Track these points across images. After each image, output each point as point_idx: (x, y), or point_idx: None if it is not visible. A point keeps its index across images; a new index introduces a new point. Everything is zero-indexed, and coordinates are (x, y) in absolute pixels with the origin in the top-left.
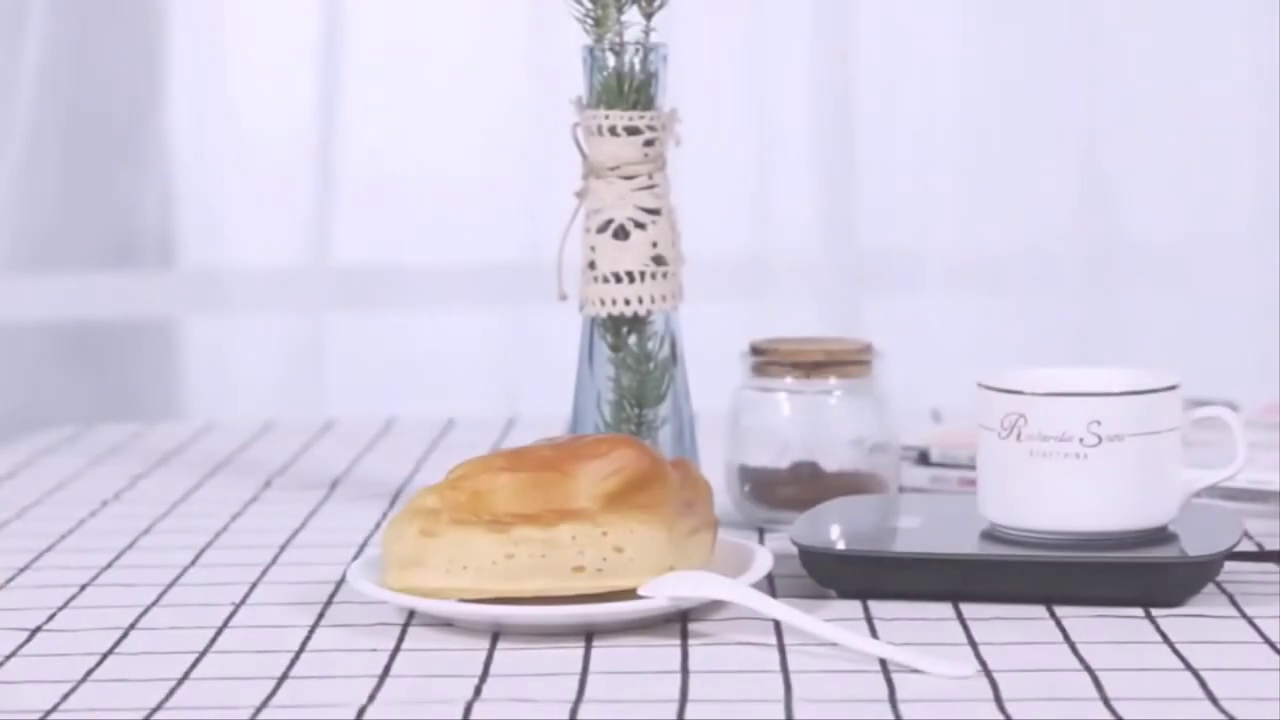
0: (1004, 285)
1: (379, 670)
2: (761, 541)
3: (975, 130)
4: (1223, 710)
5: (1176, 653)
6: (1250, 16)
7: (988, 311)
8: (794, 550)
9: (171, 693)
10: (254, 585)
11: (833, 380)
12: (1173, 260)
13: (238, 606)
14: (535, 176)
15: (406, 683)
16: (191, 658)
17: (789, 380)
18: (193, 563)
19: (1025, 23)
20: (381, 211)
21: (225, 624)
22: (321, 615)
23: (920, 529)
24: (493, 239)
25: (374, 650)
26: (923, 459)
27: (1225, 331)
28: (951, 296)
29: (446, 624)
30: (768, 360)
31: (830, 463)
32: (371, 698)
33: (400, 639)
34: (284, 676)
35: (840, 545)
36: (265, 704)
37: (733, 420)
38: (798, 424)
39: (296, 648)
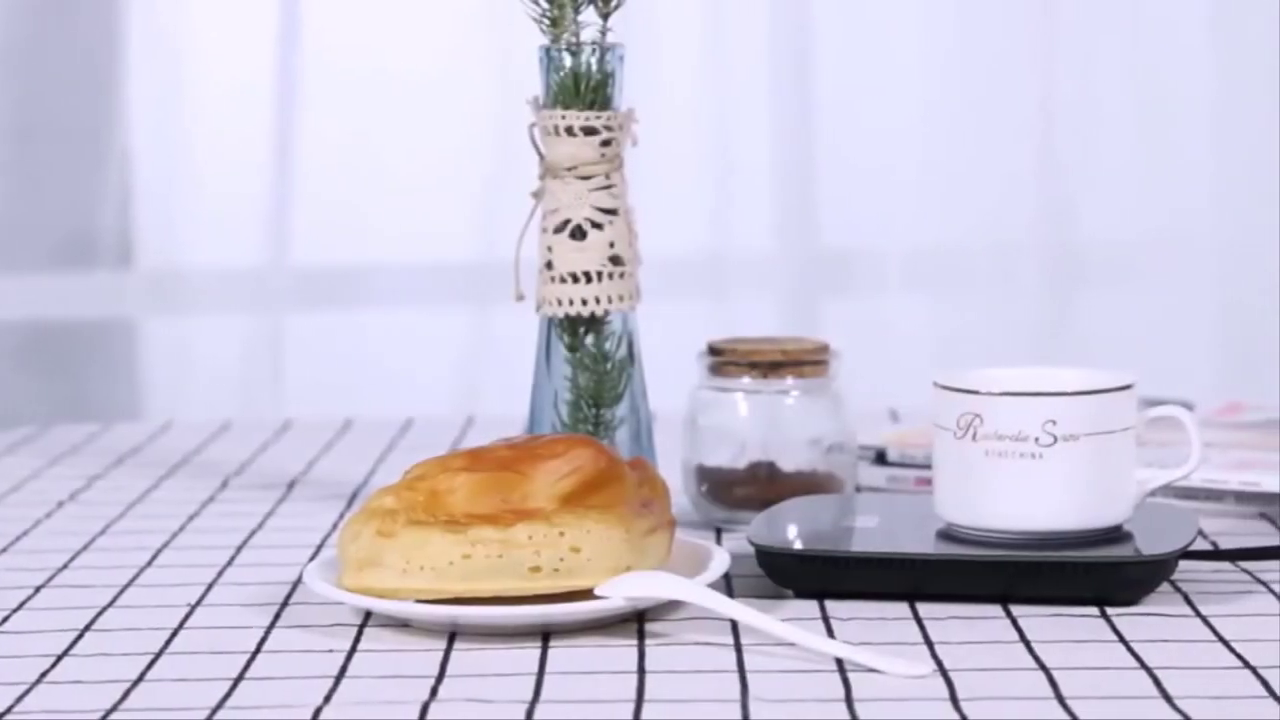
0: (962, 285)
1: (335, 671)
2: (719, 541)
3: (934, 131)
4: (1177, 709)
5: (1132, 651)
6: (1210, 17)
7: (946, 312)
8: (751, 550)
9: (126, 694)
10: (210, 586)
11: (790, 380)
12: (1131, 260)
13: (194, 607)
14: (494, 176)
15: (363, 683)
16: (147, 659)
17: (746, 380)
18: (149, 563)
19: (984, 23)
20: (340, 212)
21: (181, 625)
22: (278, 616)
23: (877, 529)
24: (451, 239)
25: (330, 651)
26: (880, 459)
27: (1183, 331)
28: (910, 297)
29: (403, 624)
30: (725, 360)
31: (787, 462)
32: (327, 699)
33: (357, 639)
34: (240, 677)
35: (797, 545)
36: (221, 705)
37: (690, 420)
38: (755, 424)
39: (253, 649)
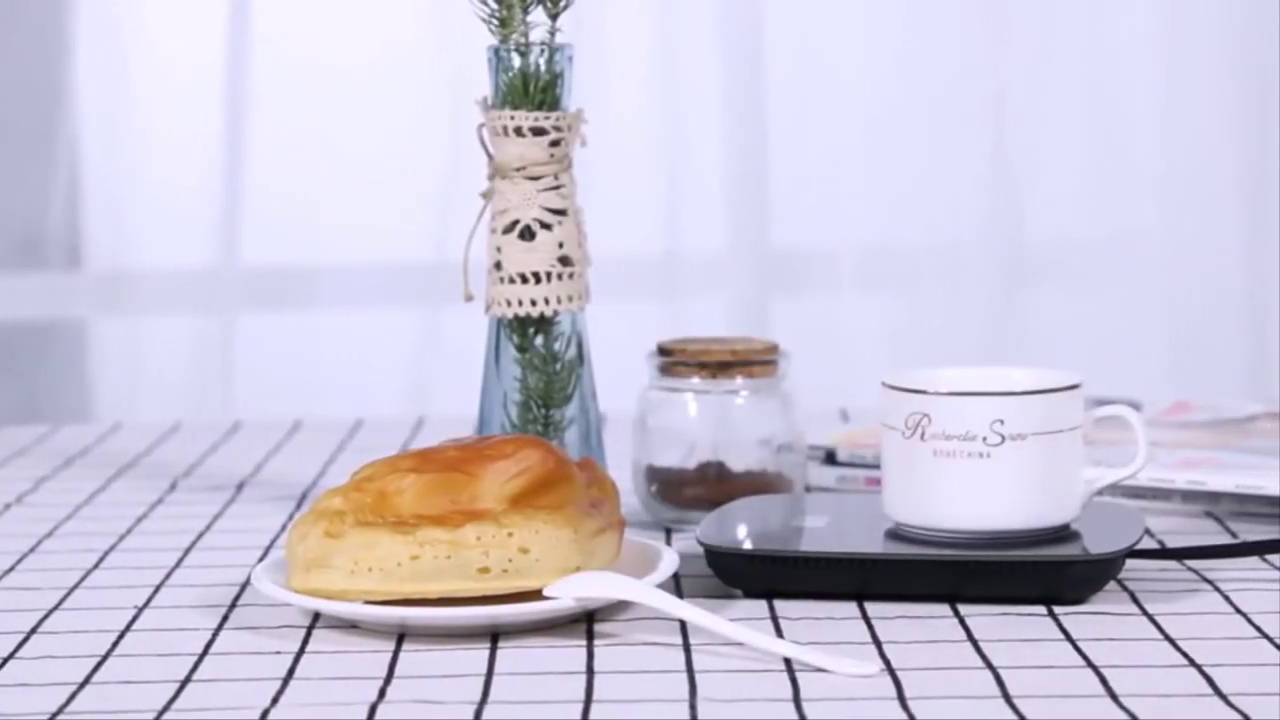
0: (913, 286)
1: (283, 673)
2: (669, 541)
3: (884, 132)
4: (1123, 707)
5: (1078, 650)
6: (1157, 19)
7: (897, 312)
8: (700, 550)
9: (73, 697)
10: (158, 588)
11: (739, 380)
12: (1080, 261)
13: (141, 609)
14: (445, 177)
15: (310, 685)
16: (93, 661)
17: (696, 380)
18: (96, 565)
19: (934, 25)
20: (290, 212)
21: (128, 627)
22: (226, 618)
23: (826, 528)
24: (402, 240)
25: (278, 653)
26: (830, 459)
27: (1131, 331)
28: (861, 297)
29: (351, 626)
30: (674, 360)
31: (737, 463)
32: (275, 700)
33: (305, 641)
34: (187, 680)
35: (746, 545)
36: (167, 707)
37: (640, 420)
38: (705, 424)
39: (200, 651)
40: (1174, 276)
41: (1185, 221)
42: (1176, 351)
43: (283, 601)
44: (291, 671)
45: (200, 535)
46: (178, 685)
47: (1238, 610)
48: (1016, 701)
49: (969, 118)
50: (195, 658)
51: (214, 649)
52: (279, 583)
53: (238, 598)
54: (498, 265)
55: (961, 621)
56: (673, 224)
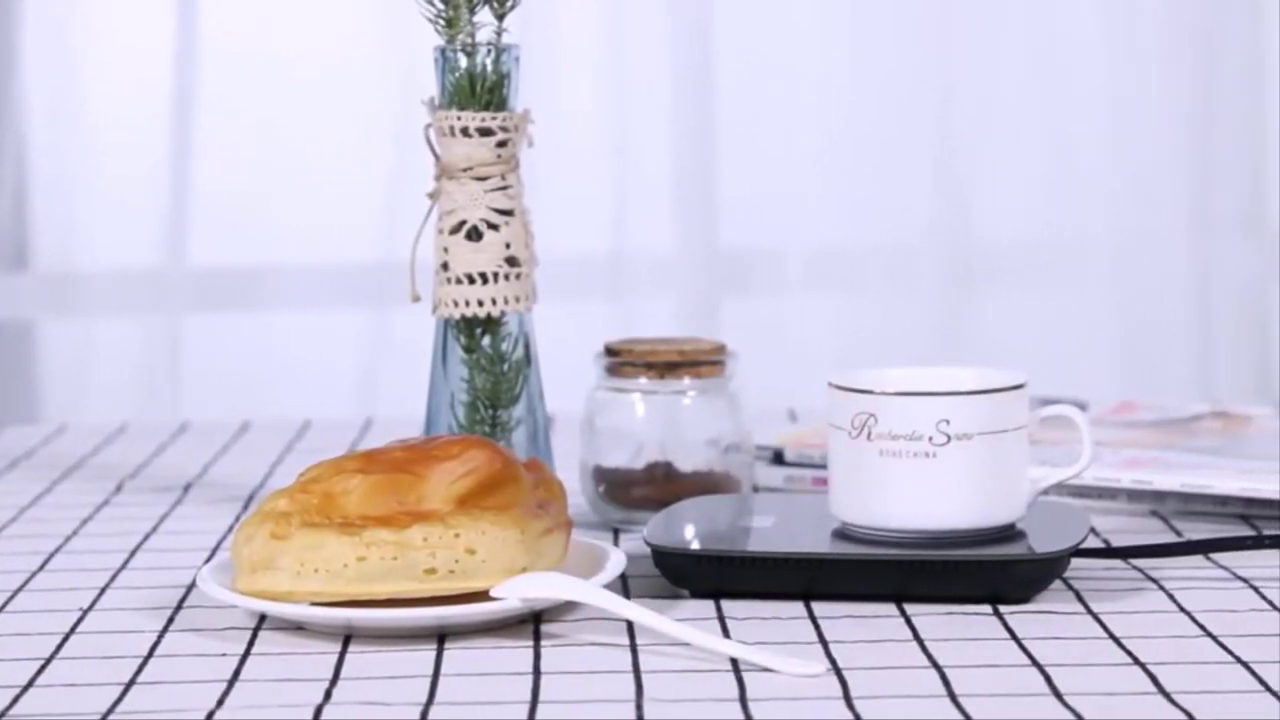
0: (862, 286)
1: (228, 675)
2: (616, 542)
3: (832, 132)
4: (1068, 706)
5: (1024, 649)
6: (1105, 23)
7: (846, 312)
8: (648, 550)
9: (16, 700)
10: (103, 590)
11: (687, 381)
12: (1028, 262)
13: (85, 612)
14: (393, 177)
15: (256, 687)
16: (38, 664)
17: (643, 381)
18: (40, 568)
19: (882, 25)
20: (238, 213)
21: (73, 629)
22: (171, 620)
23: (773, 528)
24: (351, 240)
25: (223, 655)
26: (777, 459)
27: (1079, 331)
28: (810, 297)
29: (298, 627)
30: (622, 361)
31: (685, 463)
32: (220, 703)
33: (250, 643)
34: (131, 682)
35: (693, 545)
36: (112, 710)
37: (587, 421)
38: (652, 424)
39: (145, 653)
40: (1121, 278)
41: (1132, 223)
42: (1123, 352)
43: (228, 603)
44: (237, 673)
45: (146, 537)
46: (122, 688)
47: (1182, 609)
48: (962, 700)
49: (917, 119)
50: (140, 660)
51: (159, 651)
52: (225, 585)
53: (183, 600)
54: (445, 266)
55: (908, 621)
56: (621, 224)
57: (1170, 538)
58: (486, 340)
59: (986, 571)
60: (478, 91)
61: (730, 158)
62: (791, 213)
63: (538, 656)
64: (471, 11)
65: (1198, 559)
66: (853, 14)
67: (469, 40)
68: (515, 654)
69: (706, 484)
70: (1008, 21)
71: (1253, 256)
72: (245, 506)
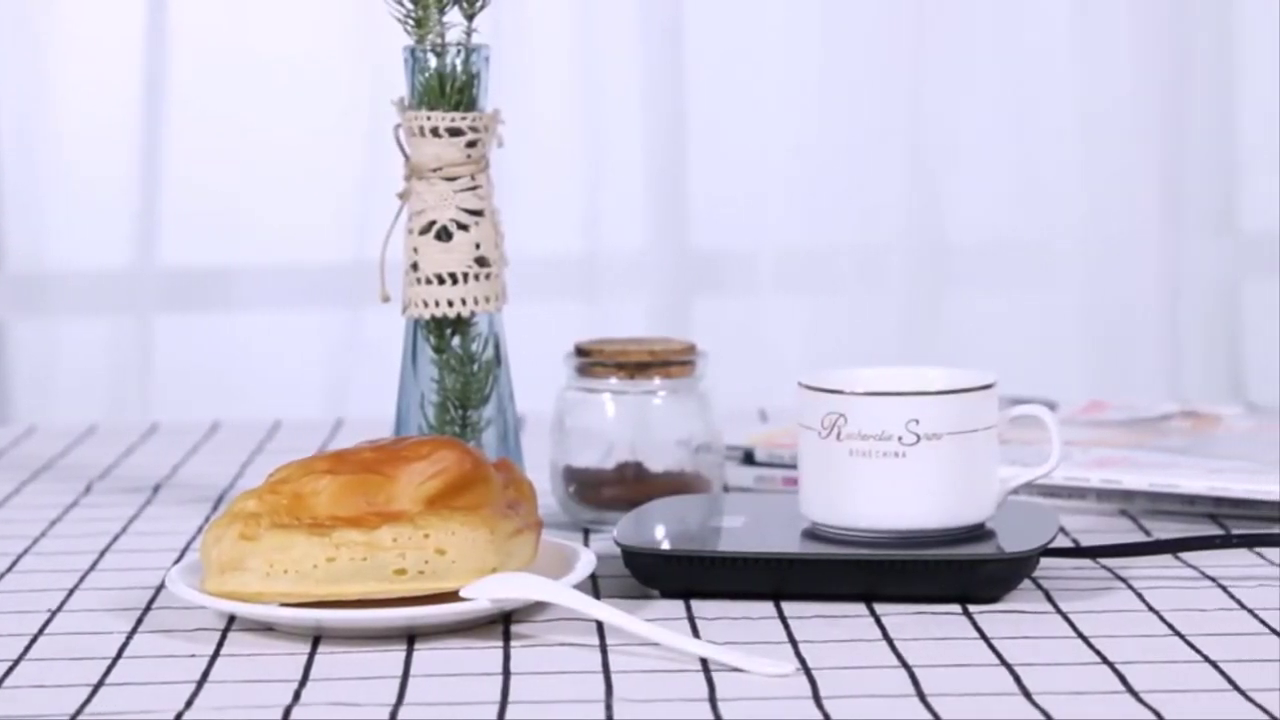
0: (833, 287)
1: (197, 676)
2: (586, 542)
3: (804, 133)
4: (1036, 705)
5: (992, 648)
6: (1076, 23)
7: (817, 312)
8: (618, 550)
9: None
10: (71, 591)
11: (657, 381)
12: (999, 262)
13: (54, 613)
14: (364, 177)
15: (225, 688)
16: (5, 666)
17: (613, 381)
18: (9, 569)
19: (854, 26)
20: (208, 213)
21: (41, 631)
22: (140, 621)
23: (743, 528)
24: (321, 240)
25: (192, 656)
26: (748, 459)
27: (1050, 331)
28: (781, 298)
29: (267, 628)
30: (592, 361)
31: (655, 463)
32: (189, 703)
33: (220, 644)
34: (100, 683)
35: (663, 545)
36: (80, 711)
37: (558, 421)
38: (622, 425)
39: (113, 654)
40: (1091, 278)
41: (1102, 224)
42: (1094, 352)
43: (198, 604)
44: (206, 674)
45: (115, 538)
46: (91, 689)
47: (1151, 608)
48: (931, 700)
49: (888, 120)
50: (109, 661)
51: (128, 652)
52: (194, 585)
53: (152, 601)
54: (414, 266)
55: (877, 620)
56: (592, 225)
57: (1139, 537)
58: (456, 340)
59: (956, 571)
60: (447, 92)
61: (701, 158)
62: (763, 213)
63: (507, 657)
64: (441, 12)
65: (1166, 558)
66: (824, 15)
67: (438, 40)
68: (485, 654)
69: (677, 484)
70: (979, 23)
71: (1222, 257)
72: (215, 507)
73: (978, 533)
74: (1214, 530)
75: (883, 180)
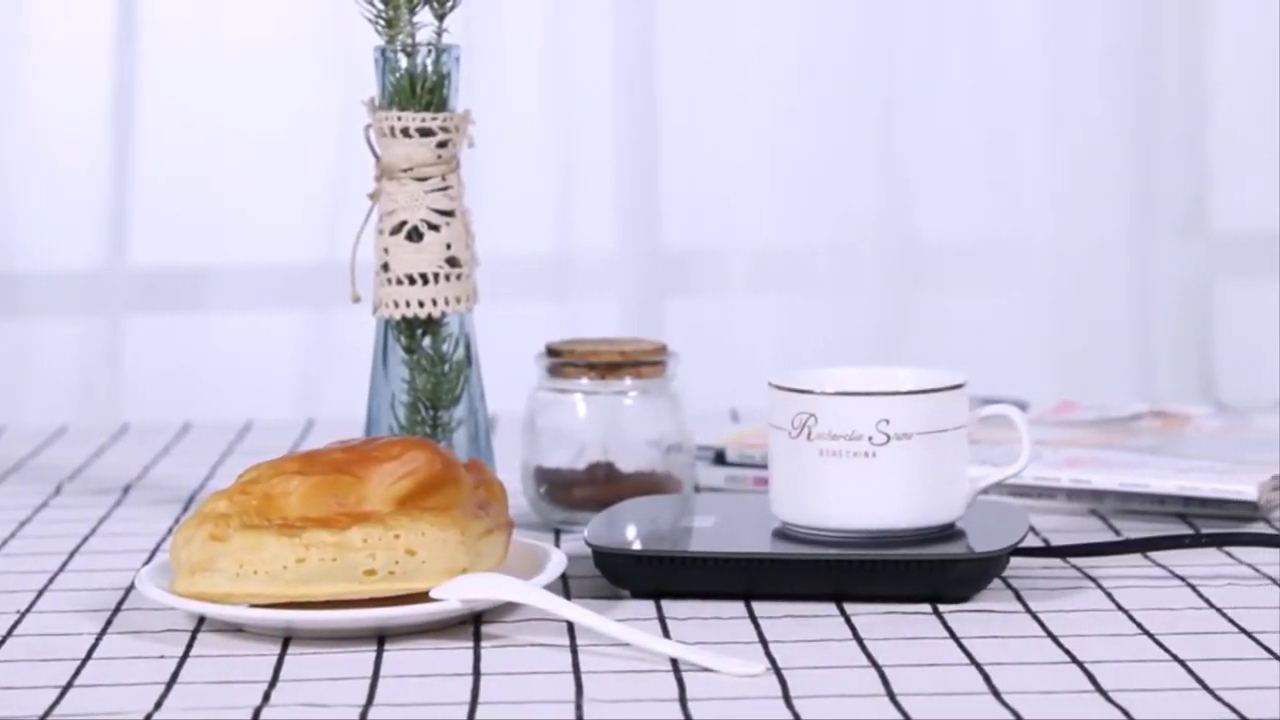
0: (805, 286)
1: (166, 677)
2: (558, 543)
3: (776, 133)
4: (1005, 704)
5: (962, 648)
6: (1046, 25)
7: (789, 313)
8: (589, 551)
9: None
10: (41, 592)
11: (628, 381)
12: (971, 262)
13: (23, 614)
14: (334, 177)
15: (194, 689)
16: None
17: (585, 381)
18: None
19: (826, 26)
20: (180, 213)
21: (10, 632)
22: (110, 622)
23: (714, 529)
24: (292, 241)
25: (162, 657)
26: (719, 459)
27: (1022, 332)
28: (753, 298)
29: (237, 629)
30: (563, 361)
31: (626, 463)
32: (158, 704)
33: (189, 645)
34: (69, 685)
35: (634, 546)
36: (49, 712)
37: (529, 421)
38: (593, 425)
39: (83, 655)
40: (1062, 279)
41: (1073, 225)
42: (1065, 353)
43: (167, 605)
44: (175, 675)
45: (85, 539)
46: (60, 690)
47: (1120, 607)
48: (901, 699)
49: (860, 120)
50: (78, 662)
51: (97, 653)
52: (164, 586)
53: (122, 602)
54: (385, 266)
55: (848, 620)
56: (565, 225)
57: (1109, 536)
58: (427, 341)
59: (926, 571)
60: (418, 92)
61: (673, 158)
62: (735, 213)
63: (478, 658)
64: (411, 12)
65: (1136, 557)
66: (797, 16)
67: (409, 40)
68: (455, 655)
69: (648, 484)
70: (951, 25)
71: (1193, 258)
72: (185, 508)
73: (948, 532)
74: (1183, 530)
75: (855, 181)
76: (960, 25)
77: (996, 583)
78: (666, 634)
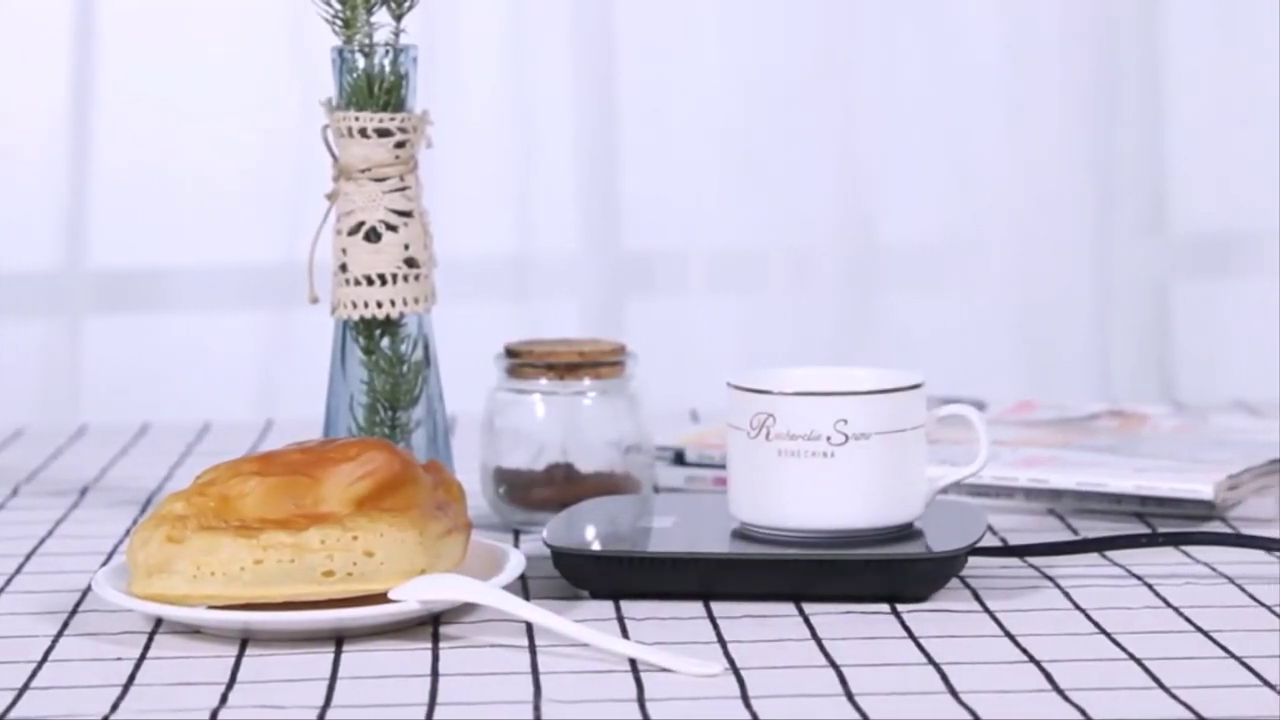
0: (765, 287)
1: (123, 679)
2: (517, 544)
3: (736, 134)
4: (963, 704)
5: (920, 647)
6: (1004, 26)
7: (749, 313)
8: (548, 551)
9: None
10: None
11: (587, 382)
12: (930, 262)
13: None
14: (294, 178)
15: (151, 691)
16: None
17: (543, 382)
18: None
19: (786, 28)
20: (138, 214)
21: None
22: (66, 624)
23: (673, 529)
24: (252, 241)
25: (118, 659)
26: (678, 459)
27: (983, 332)
28: (713, 299)
29: (194, 631)
30: (522, 362)
31: (585, 464)
32: (115, 707)
33: (146, 647)
34: (25, 687)
35: (593, 546)
36: (5, 715)
37: (488, 422)
38: (552, 425)
39: (39, 657)
40: (1022, 279)
41: (1033, 225)
42: (1025, 353)
43: (124, 607)
44: (132, 677)
45: (42, 541)
46: (16, 693)
47: (1077, 606)
48: (858, 699)
49: (819, 122)
50: (34, 665)
51: (53, 656)
52: (121, 588)
53: (79, 604)
54: (343, 267)
55: (806, 620)
56: (524, 225)
57: (1066, 536)
58: (385, 342)
59: (884, 570)
60: (375, 92)
61: (633, 159)
62: (695, 214)
63: (436, 659)
64: (369, 12)
65: (1093, 556)
66: (755, 16)
67: (366, 41)
68: (413, 656)
69: (607, 485)
70: (909, 25)
71: (1153, 258)
72: (143, 510)
73: (906, 532)
74: (1141, 529)
75: (815, 182)
76: (919, 27)
77: (955, 582)
78: (625, 634)
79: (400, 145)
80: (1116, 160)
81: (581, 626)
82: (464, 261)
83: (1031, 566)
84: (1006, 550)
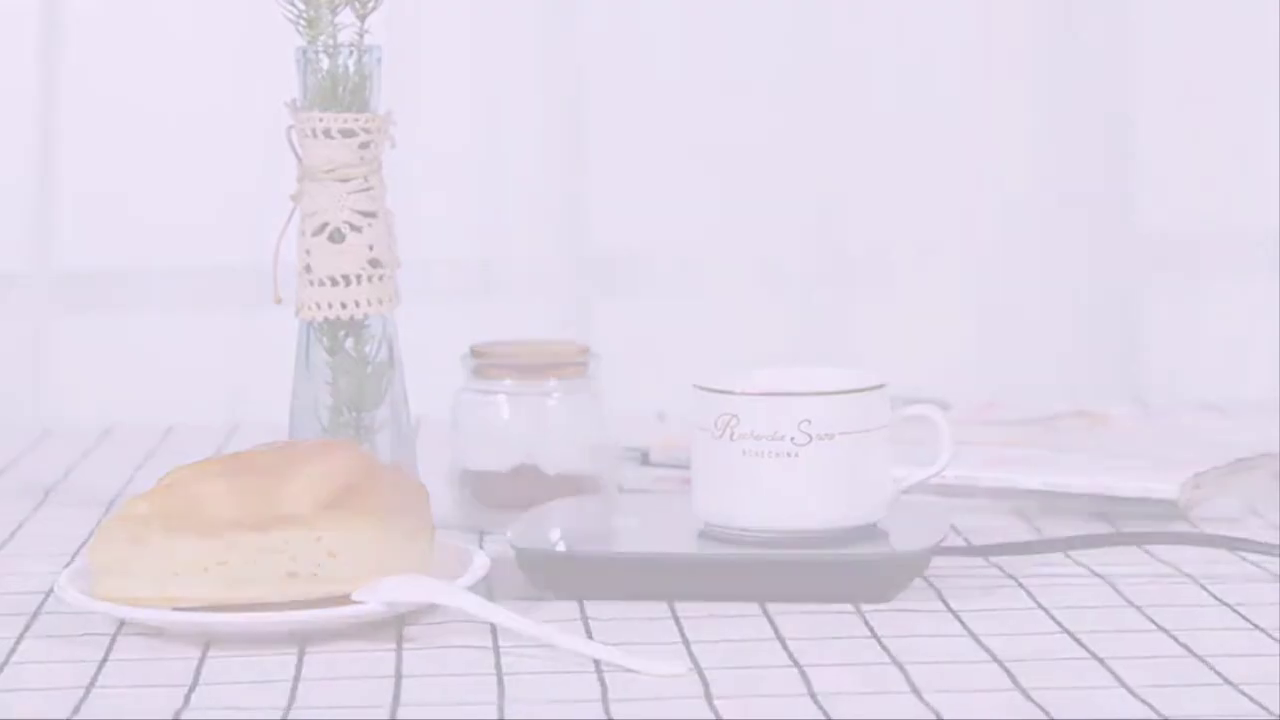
0: (733, 288)
1: (85, 682)
2: (482, 544)
3: (703, 134)
4: (926, 703)
5: (884, 647)
6: (965, 26)
7: (717, 315)
8: (513, 552)
9: None
10: None
11: (552, 382)
12: (896, 263)
13: None
14: (260, 178)
15: (114, 693)
16: None
17: (508, 382)
18: None
19: (755, 28)
20: (104, 214)
21: None
22: (28, 626)
23: (637, 529)
24: (215, 242)
25: (81, 661)
26: (644, 460)
27: (949, 333)
28: (681, 300)
29: (158, 633)
30: (487, 363)
31: (550, 464)
32: (76, 709)
33: (109, 649)
34: None
35: (558, 547)
36: None
37: (454, 423)
38: (517, 426)
39: (1, 660)
40: (987, 279)
41: (998, 225)
42: (990, 353)
43: (87, 609)
44: (94, 680)
45: (4, 543)
46: None
47: (1041, 606)
48: (822, 699)
49: (786, 124)
50: None
51: (15, 658)
52: (84, 590)
53: (41, 606)
54: (307, 268)
55: (770, 620)
56: (491, 226)
57: (1031, 536)
58: (350, 343)
59: (848, 571)
60: (340, 93)
61: (601, 160)
62: (663, 216)
63: (400, 660)
64: (333, 12)
65: (1057, 556)
66: (722, 17)
67: (331, 41)
68: (377, 658)
69: (572, 485)
70: (877, 27)
71: (1119, 258)
72: (106, 511)
73: (870, 532)
74: (1104, 528)
75: (783, 184)
76: (887, 30)
77: (918, 582)
78: (589, 635)
79: (365, 146)
80: (1082, 160)
81: (546, 627)
82: (431, 262)
83: (995, 566)
84: (970, 550)
